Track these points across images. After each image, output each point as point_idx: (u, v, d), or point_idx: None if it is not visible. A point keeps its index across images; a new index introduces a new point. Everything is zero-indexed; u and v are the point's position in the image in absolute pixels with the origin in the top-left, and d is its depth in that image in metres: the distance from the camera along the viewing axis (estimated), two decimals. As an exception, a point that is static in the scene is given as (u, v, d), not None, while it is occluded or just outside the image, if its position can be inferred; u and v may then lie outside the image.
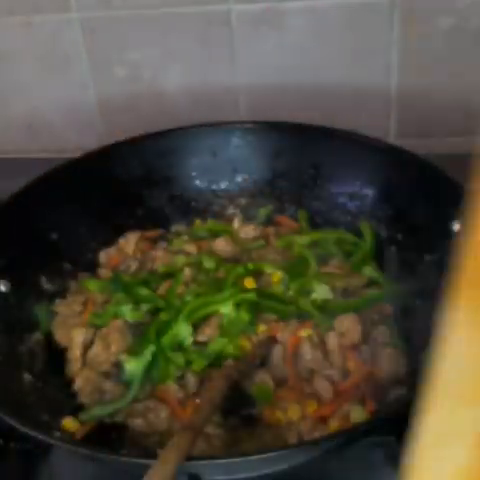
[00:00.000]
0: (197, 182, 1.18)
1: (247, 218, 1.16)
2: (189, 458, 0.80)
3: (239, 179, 1.18)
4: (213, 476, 0.77)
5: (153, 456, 0.81)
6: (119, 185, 1.14)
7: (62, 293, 1.06)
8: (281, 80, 1.27)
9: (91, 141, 1.35)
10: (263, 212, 1.16)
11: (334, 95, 1.27)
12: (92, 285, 1.04)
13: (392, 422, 0.84)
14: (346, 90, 1.26)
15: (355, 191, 1.11)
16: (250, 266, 1.02)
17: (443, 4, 1.16)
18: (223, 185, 1.18)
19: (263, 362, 0.92)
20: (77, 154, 1.15)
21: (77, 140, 1.37)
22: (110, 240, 1.12)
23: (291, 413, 0.86)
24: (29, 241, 1.03)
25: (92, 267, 1.10)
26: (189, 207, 1.18)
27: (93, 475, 0.88)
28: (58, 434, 0.84)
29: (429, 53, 1.21)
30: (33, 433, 0.75)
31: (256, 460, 0.71)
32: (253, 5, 1.20)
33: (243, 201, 1.18)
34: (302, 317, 0.96)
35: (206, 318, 0.97)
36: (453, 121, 1.27)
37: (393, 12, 1.18)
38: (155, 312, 0.99)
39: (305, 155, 1.13)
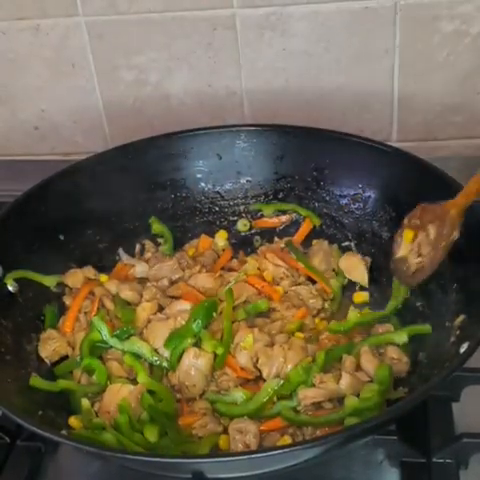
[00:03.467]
0: (203, 184, 1.19)
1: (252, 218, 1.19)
2: (193, 456, 0.81)
3: (243, 181, 1.19)
4: (216, 474, 0.78)
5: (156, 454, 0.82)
6: (125, 188, 1.15)
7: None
8: (285, 84, 1.28)
9: (97, 144, 1.36)
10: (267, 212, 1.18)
11: (337, 98, 1.28)
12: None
13: (393, 422, 0.85)
14: (349, 93, 1.27)
15: (358, 193, 1.12)
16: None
17: (445, 9, 1.17)
18: (228, 187, 1.19)
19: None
20: (83, 157, 1.17)
21: (84, 143, 1.39)
22: (116, 241, 1.14)
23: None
24: (37, 242, 1.05)
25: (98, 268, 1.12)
26: (195, 208, 1.19)
27: (99, 473, 0.90)
28: (64, 432, 0.85)
29: (431, 57, 1.22)
30: (40, 431, 0.77)
31: (258, 458, 0.73)
32: (257, 10, 1.21)
33: (248, 202, 1.19)
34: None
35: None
36: (454, 124, 1.28)
37: (396, 17, 1.19)
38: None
39: (308, 158, 1.14)
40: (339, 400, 0.88)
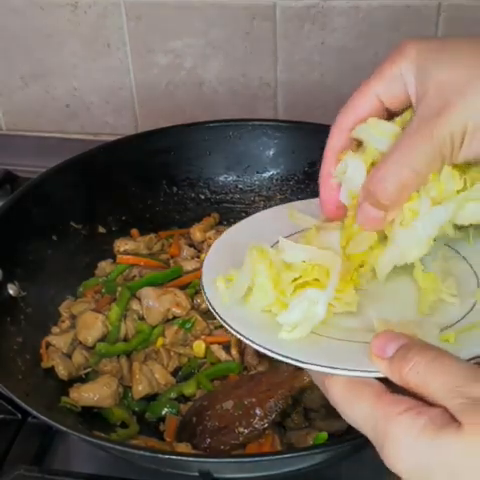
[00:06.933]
0: (224, 177, 1.18)
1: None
2: (200, 455, 0.80)
3: (266, 175, 1.18)
4: (224, 474, 0.77)
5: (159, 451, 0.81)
6: (144, 178, 1.15)
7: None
8: (320, 78, 1.27)
9: (128, 126, 1.37)
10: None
11: (372, 97, 1.27)
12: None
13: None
14: (385, 93, 1.26)
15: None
16: None
17: (489, 13, 1.15)
18: (250, 181, 1.18)
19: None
20: (112, 138, 1.17)
21: (114, 123, 1.38)
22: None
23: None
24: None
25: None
26: (215, 201, 1.18)
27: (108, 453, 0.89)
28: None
29: (472, 61, 1.20)
30: (48, 420, 0.76)
31: (265, 461, 0.72)
32: (298, 1, 1.20)
33: (270, 196, 1.18)
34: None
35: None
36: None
37: (439, 17, 1.17)
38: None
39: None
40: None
